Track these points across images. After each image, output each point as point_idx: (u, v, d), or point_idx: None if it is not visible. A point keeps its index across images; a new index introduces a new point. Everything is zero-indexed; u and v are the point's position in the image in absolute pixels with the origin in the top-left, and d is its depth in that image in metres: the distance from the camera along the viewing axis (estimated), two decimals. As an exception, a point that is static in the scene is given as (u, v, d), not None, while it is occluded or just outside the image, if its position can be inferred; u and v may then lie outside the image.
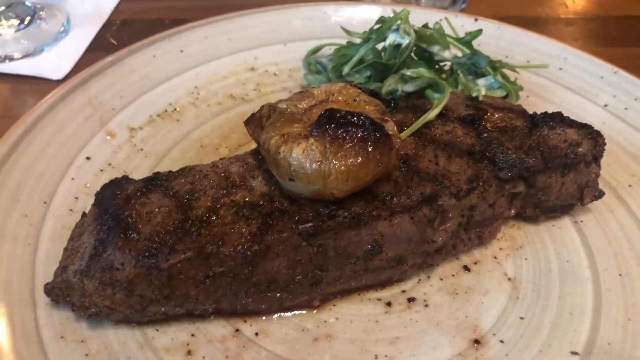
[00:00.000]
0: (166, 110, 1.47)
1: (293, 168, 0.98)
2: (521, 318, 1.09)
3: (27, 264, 1.10)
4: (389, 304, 1.11)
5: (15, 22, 1.80)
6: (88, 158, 1.32)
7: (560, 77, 1.57)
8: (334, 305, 1.11)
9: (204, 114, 1.48)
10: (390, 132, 1.01)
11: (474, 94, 1.29)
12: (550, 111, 1.26)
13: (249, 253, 0.98)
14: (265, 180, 1.07)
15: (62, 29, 1.85)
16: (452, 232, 1.11)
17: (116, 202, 1.04)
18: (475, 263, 1.18)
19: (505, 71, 1.47)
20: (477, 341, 1.06)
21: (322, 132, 0.98)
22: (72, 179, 1.27)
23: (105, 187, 1.09)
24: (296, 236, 1.00)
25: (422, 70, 1.35)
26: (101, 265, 0.97)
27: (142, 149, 1.37)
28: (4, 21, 1.79)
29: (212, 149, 1.40)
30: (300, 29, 1.67)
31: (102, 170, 1.31)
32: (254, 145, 1.21)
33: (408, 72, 1.34)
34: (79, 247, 1.03)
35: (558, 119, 1.24)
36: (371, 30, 1.46)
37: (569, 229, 1.25)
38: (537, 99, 1.53)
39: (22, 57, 1.73)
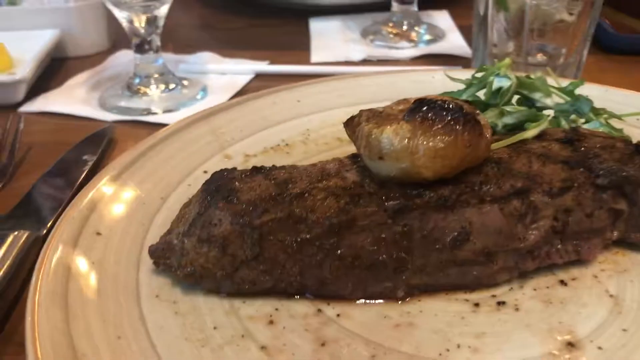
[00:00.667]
0: (279, 145, 1.60)
1: (382, 145, 1.04)
2: (624, 330, 1.00)
3: (138, 237, 1.21)
4: (476, 304, 1.07)
5: (162, 86, 2.09)
6: (205, 172, 1.46)
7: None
8: (419, 300, 1.09)
9: (312, 150, 1.59)
10: (482, 121, 1.05)
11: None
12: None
13: (334, 221, 1.02)
14: (358, 173, 1.13)
15: (199, 95, 2.11)
16: (546, 236, 1.08)
17: (222, 180, 1.15)
18: (573, 279, 1.12)
19: (612, 122, 1.47)
20: (571, 344, 0.98)
21: (413, 115, 1.04)
22: (189, 185, 1.41)
23: (213, 175, 1.20)
24: (382, 212, 1.03)
25: (522, 108, 1.39)
26: (201, 223, 1.06)
27: (252, 171, 1.49)
28: (153, 85, 2.08)
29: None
30: (408, 89, 1.79)
31: (215, 182, 1.44)
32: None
33: (507, 107, 1.39)
34: (185, 214, 1.13)
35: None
36: (473, 77, 1.54)
37: (683, 259, 1.16)
38: (647, 152, 1.49)
39: (163, 113, 1.99)
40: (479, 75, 1.53)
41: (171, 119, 1.93)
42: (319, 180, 1.12)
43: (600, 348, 0.97)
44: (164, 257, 1.10)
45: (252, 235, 1.03)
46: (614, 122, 1.47)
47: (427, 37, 2.56)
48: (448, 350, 0.98)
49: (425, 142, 1.01)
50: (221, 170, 1.21)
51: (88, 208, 1.24)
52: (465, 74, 1.75)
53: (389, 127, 1.05)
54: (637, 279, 1.12)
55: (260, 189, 1.10)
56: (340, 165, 1.18)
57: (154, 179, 1.39)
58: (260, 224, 1.02)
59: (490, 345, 0.99)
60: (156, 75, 2.10)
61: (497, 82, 1.45)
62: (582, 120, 1.43)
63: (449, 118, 1.02)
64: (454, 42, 2.52)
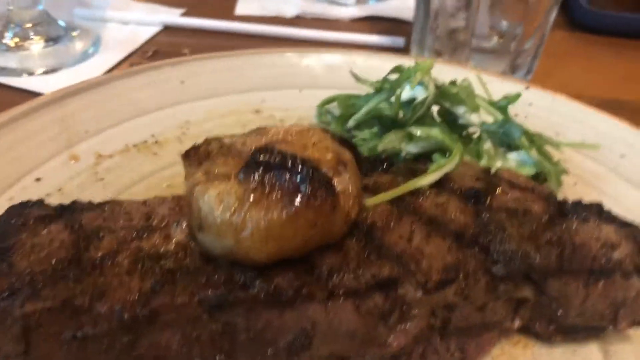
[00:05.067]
0: (146, 141, 1.30)
1: (203, 214, 0.76)
2: None
3: None
4: (320, 417, 0.83)
5: (43, 39, 1.75)
6: (38, 179, 1.17)
7: (619, 165, 1.26)
8: (249, 404, 0.84)
9: (187, 151, 1.29)
10: (338, 188, 0.77)
11: (492, 170, 1.02)
12: (602, 204, 0.96)
13: (128, 316, 0.75)
14: (189, 228, 0.85)
15: (90, 50, 1.77)
16: (418, 337, 0.83)
17: (8, 227, 0.86)
18: (452, 384, 0.88)
19: (549, 150, 1.19)
20: None
21: (247, 175, 0.76)
22: (10, 198, 1.12)
23: (12, 208, 0.92)
24: (194, 305, 0.76)
25: (434, 131, 1.10)
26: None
27: (102, 179, 1.20)
28: (33, 36, 1.73)
29: (180, 190, 1.20)
30: (321, 75, 1.47)
31: (48, 194, 1.15)
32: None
33: (415, 130, 1.10)
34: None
35: (595, 211, 0.95)
36: (384, 79, 1.24)
37: None
38: (586, 188, 1.22)
39: (42, 74, 1.65)
40: (393, 77, 1.23)
41: (51, 83, 1.60)
42: (136, 237, 0.84)
43: None
44: None
45: (15, 326, 0.76)
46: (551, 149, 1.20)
47: (377, -7, 2.20)
48: None
49: (254, 218, 0.73)
50: (23, 203, 0.92)
51: None
52: (391, 61, 1.45)
53: (214, 188, 0.76)
54: (533, 388, 0.88)
55: (48, 249, 0.82)
56: (175, 211, 0.90)
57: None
58: (22, 314, 0.75)
59: None
60: (35, 25, 1.74)
61: (408, 92, 1.14)
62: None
63: (291, 185, 0.74)
64: (406, 3, 2.16)
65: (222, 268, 0.78)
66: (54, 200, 1.12)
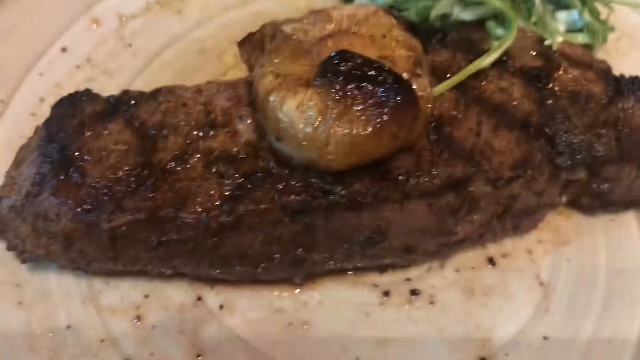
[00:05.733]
0: (168, -3, 1.20)
1: (282, 125, 0.74)
2: (545, 338, 0.88)
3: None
4: (386, 293, 0.91)
5: None
6: (64, 49, 1.10)
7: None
8: (321, 283, 0.91)
9: (214, 6, 1.21)
10: (419, 94, 0.75)
11: (548, 42, 0.98)
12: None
13: (213, 224, 0.77)
14: (254, 124, 0.84)
15: None
16: (483, 224, 0.88)
17: (67, 126, 0.83)
18: (504, 256, 0.95)
19: (598, 6, 1.14)
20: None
21: (326, 83, 0.73)
22: (41, 74, 1.06)
23: (62, 102, 0.88)
24: (277, 210, 0.78)
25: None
26: (35, 210, 0.79)
27: (130, 45, 1.14)
28: None
29: (215, 56, 1.15)
30: None
31: (78, 66, 1.09)
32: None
33: (471, -10, 1.03)
34: (17, 177, 0.84)
35: (652, 86, 0.94)
36: None
37: (633, 229, 0.99)
38: (628, 44, 1.19)
39: None
40: None
41: None
42: (202, 134, 0.83)
43: (513, 365, 0.86)
44: (-4, 229, 0.85)
45: (102, 237, 0.78)
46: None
47: None
48: (343, 365, 0.85)
49: (338, 134, 0.72)
50: (69, 97, 0.88)
51: None
52: None
53: (291, 97, 0.74)
54: (575, 256, 0.96)
55: (116, 154, 0.81)
56: (233, 102, 0.87)
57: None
58: (110, 227, 0.77)
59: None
60: None
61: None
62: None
63: (375, 97, 0.71)
64: None
65: (299, 172, 0.79)
66: (85, 73, 1.09)
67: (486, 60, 0.92)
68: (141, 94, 0.89)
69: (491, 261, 0.95)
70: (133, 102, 0.87)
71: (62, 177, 0.78)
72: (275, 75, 0.77)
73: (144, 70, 1.11)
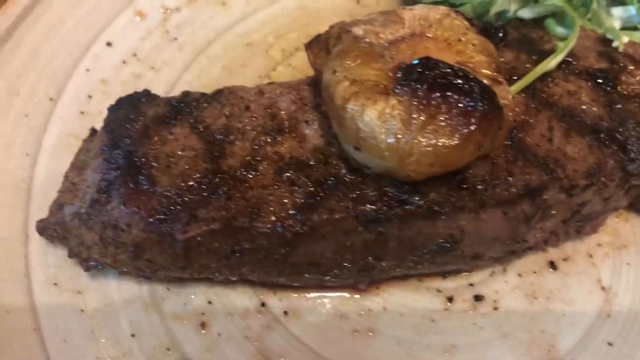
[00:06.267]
0: (211, -12, 1.17)
1: (362, 135, 0.72)
2: (609, 344, 0.88)
3: (23, 182, 0.91)
4: (450, 298, 0.90)
5: None
6: (109, 44, 1.07)
7: None
8: (384, 289, 0.90)
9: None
10: (502, 102, 0.73)
11: (615, 44, 0.96)
12: None
13: (287, 234, 0.76)
14: (322, 129, 0.82)
15: None
16: (553, 231, 0.87)
17: (131, 131, 0.81)
18: (565, 260, 0.95)
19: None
20: (550, 365, 0.86)
21: (409, 92, 0.71)
22: (87, 70, 1.04)
23: (120, 103, 0.85)
24: (351, 219, 0.77)
25: (554, -5, 1.00)
26: (102, 219, 0.77)
27: (175, 39, 1.11)
28: None
29: (262, 49, 1.12)
30: None
31: (124, 62, 1.06)
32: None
33: (530, -12, 1.00)
34: (80, 182, 0.82)
35: None
36: None
37: (693, 232, 0.99)
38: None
39: None
40: None
41: None
42: (269, 139, 0.81)
43: (580, 371, 0.86)
44: (59, 237, 0.83)
45: (175, 248, 0.76)
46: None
47: None
48: (412, 373, 0.85)
49: (423, 145, 0.70)
50: (128, 98, 0.85)
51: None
52: None
53: (371, 105, 0.71)
54: (635, 259, 0.95)
55: (184, 161, 0.78)
56: (298, 105, 0.85)
57: (37, 64, 1.00)
58: (185, 239, 0.75)
59: (461, 366, 0.86)
60: None
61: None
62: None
63: (462, 107, 0.69)
64: None
65: (372, 179, 0.77)
66: (132, 68, 1.06)
67: (553, 62, 0.90)
68: (202, 95, 0.86)
69: (552, 265, 0.94)
70: (195, 104, 0.84)
71: (131, 185, 0.76)
72: (350, 81, 0.74)
73: (191, 65, 1.08)
